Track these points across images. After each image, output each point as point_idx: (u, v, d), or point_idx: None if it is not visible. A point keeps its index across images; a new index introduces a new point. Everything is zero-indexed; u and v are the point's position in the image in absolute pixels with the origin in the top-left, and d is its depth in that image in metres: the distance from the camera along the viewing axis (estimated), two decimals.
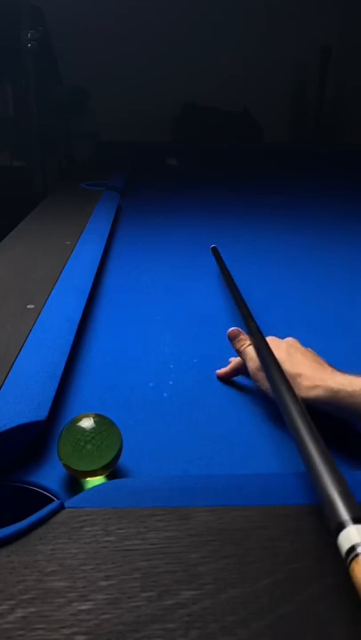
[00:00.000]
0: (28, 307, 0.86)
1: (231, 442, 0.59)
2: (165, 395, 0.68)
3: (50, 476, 0.52)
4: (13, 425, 0.54)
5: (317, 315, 0.95)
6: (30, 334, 0.75)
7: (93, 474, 0.50)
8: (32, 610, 0.34)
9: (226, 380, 0.72)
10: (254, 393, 0.69)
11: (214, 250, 0.81)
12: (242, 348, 0.69)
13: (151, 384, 0.70)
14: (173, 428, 0.61)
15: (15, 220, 1.45)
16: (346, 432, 0.58)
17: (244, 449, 0.58)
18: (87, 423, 0.52)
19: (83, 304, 0.88)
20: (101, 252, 1.17)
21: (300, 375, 0.59)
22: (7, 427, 0.53)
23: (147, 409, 0.65)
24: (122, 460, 0.52)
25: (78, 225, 1.34)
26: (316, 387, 0.57)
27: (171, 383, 0.71)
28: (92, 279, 1.00)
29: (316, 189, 2.12)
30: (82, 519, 0.41)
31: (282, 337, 0.70)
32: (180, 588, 0.35)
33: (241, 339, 0.70)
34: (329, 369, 0.61)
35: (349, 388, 0.55)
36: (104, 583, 0.35)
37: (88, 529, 0.40)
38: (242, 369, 0.70)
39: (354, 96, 3.90)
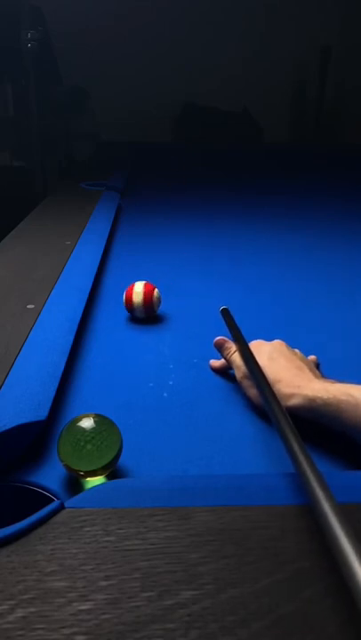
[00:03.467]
0: (28, 307, 0.86)
1: (231, 442, 0.59)
2: (165, 395, 0.68)
3: (50, 476, 0.52)
4: (13, 425, 0.53)
5: (318, 315, 0.95)
6: (30, 334, 0.75)
7: (93, 474, 0.50)
8: (32, 610, 0.34)
9: (218, 371, 0.74)
10: None
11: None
12: (228, 355, 0.71)
13: (151, 384, 0.70)
14: (173, 428, 0.61)
15: (15, 219, 1.45)
16: (331, 435, 0.58)
17: (244, 449, 0.58)
18: (87, 423, 0.52)
19: (83, 304, 0.89)
20: (101, 252, 1.17)
21: (279, 382, 0.59)
22: (7, 427, 0.53)
23: (147, 409, 0.65)
24: (122, 460, 0.52)
25: (78, 225, 1.34)
26: (293, 395, 0.58)
27: (171, 383, 0.71)
28: (92, 279, 1.00)
29: (316, 189, 2.12)
30: (82, 519, 0.41)
31: (280, 338, 0.70)
32: (180, 587, 0.35)
33: (226, 347, 0.72)
34: (308, 375, 0.61)
35: (325, 396, 0.55)
36: (104, 583, 0.35)
37: (88, 529, 0.40)
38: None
39: (354, 96, 3.90)
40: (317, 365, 0.72)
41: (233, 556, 0.38)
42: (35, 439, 0.56)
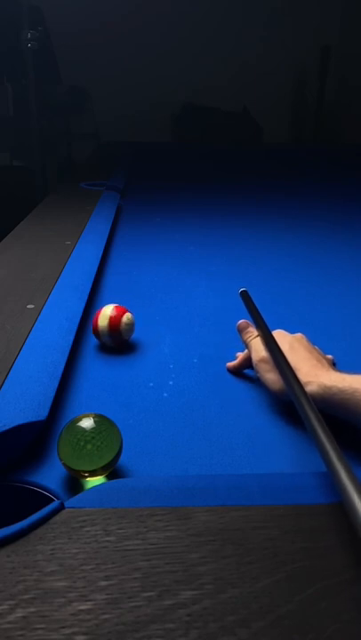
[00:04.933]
0: (28, 307, 0.86)
1: (231, 442, 0.59)
2: (165, 395, 0.68)
3: (50, 476, 0.52)
4: (13, 425, 0.54)
5: (318, 315, 0.95)
6: (30, 334, 0.75)
7: (93, 474, 0.50)
8: (32, 610, 0.34)
9: (236, 372, 0.73)
10: (254, 392, 0.69)
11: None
12: (249, 339, 0.70)
13: (151, 384, 0.70)
14: (173, 428, 0.61)
15: (15, 219, 1.45)
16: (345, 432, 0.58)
17: (244, 449, 0.58)
18: (87, 423, 0.52)
19: (83, 304, 0.88)
20: (101, 252, 1.17)
21: (298, 370, 0.60)
22: (7, 427, 0.53)
23: (147, 409, 0.65)
24: (122, 460, 0.52)
25: (78, 225, 1.34)
26: (309, 382, 0.58)
27: (171, 383, 0.71)
28: (92, 279, 1.00)
29: (316, 189, 2.12)
30: (82, 519, 0.41)
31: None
32: (180, 587, 0.35)
33: (249, 331, 0.72)
34: (326, 367, 0.62)
35: (341, 385, 0.55)
36: (104, 583, 0.35)
37: (88, 529, 0.40)
38: (250, 361, 0.71)
39: (354, 96, 3.90)
40: (334, 364, 0.72)
41: (233, 555, 0.38)
42: (35, 439, 0.56)
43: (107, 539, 0.39)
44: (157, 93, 3.71)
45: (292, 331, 0.70)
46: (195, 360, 0.77)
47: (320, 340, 0.81)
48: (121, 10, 3.50)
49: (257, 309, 0.76)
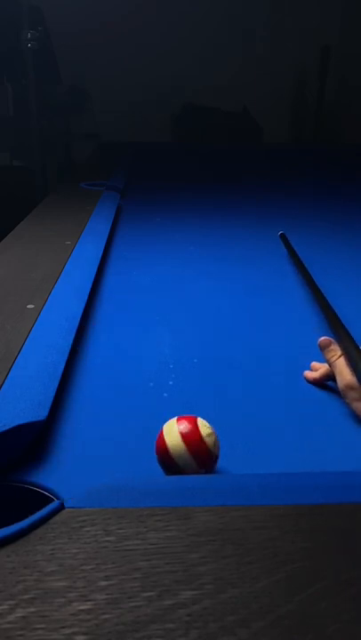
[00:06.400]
0: (28, 307, 0.86)
1: (231, 442, 0.59)
2: (165, 395, 0.68)
3: (50, 476, 0.52)
4: (14, 425, 0.54)
5: (318, 315, 0.95)
6: (30, 334, 0.75)
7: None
8: (32, 610, 0.34)
9: (316, 383, 0.69)
10: (253, 392, 0.69)
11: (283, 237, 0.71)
12: (332, 359, 0.65)
13: (151, 384, 0.70)
14: None
15: (15, 219, 1.45)
16: None
17: (244, 449, 0.58)
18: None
19: (83, 304, 0.88)
20: (101, 252, 1.17)
21: None
22: (7, 427, 0.53)
23: (147, 409, 0.65)
24: (122, 460, 0.52)
25: (78, 225, 1.34)
26: None
27: (171, 383, 0.71)
28: (92, 279, 1.00)
29: (316, 189, 2.12)
30: (82, 519, 0.41)
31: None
32: (180, 587, 0.35)
33: (331, 349, 0.66)
34: None
35: None
36: (104, 583, 0.35)
37: (88, 529, 0.40)
38: (332, 376, 0.66)
39: (354, 96, 3.90)
40: None
41: (233, 555, 0.38)
42: (35, 439, 0.56)
43: (107, 539, 0.39)
44: (157, 93, 3.71)
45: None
46: (195, 360, 0.77)
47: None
48: (121, 10, 3.49)
49: (343, 325, 0.68)
